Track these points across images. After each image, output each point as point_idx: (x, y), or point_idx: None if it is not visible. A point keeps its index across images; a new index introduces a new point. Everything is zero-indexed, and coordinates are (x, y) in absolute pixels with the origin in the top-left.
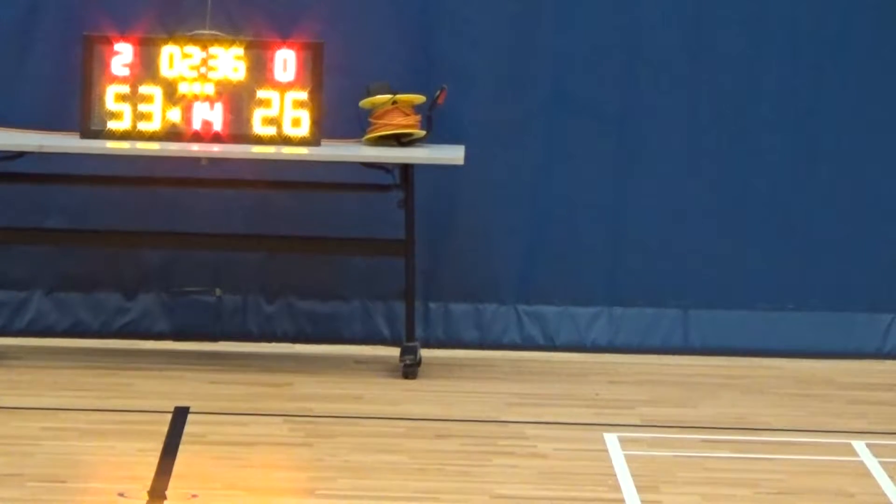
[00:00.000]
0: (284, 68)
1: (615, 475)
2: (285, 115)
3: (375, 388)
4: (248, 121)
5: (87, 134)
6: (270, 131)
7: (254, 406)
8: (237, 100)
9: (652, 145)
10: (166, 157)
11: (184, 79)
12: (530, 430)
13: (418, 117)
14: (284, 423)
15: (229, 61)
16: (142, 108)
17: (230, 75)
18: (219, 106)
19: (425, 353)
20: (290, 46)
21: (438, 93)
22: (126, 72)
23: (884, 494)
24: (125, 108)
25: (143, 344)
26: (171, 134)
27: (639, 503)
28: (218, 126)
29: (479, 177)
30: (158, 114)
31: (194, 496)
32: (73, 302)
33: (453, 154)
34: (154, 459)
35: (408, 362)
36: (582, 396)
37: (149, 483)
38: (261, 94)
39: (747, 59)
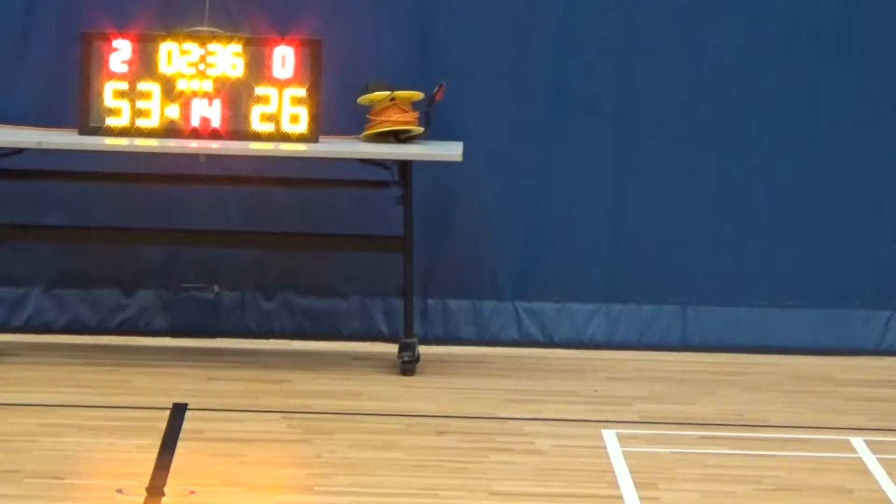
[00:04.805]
0: (283, 65)
1: (613, 472)
2: (284, 111)
3: (374, 385)
4: (246, 117)
5: (86, 130)
6: (269, 128)
7: (252, 403)
8: (235, 96)
9: (650, 142)
10: (164, 154)
11: (182, 75)
12: (528, 427)
13: (416, 114)
14: (283, 420)
15: (227, 58)
16: (140, 104)
17: (228, 72)
18: (217, 103)
19: (423, 349)
20: (288, 43)
21: (437, 89)
22: (124, 68)
23: (882, 491)
24: (123, 105)
25: (142, 340)
26: (170, 130)
27: (637, 500)
28: (216, 123)
29: (477, 173)
30: (157, 110)
31: (192, 493)
32: (71, 298)
33: (451, 151)
34: (152, 456)
35: (406, 359)
36: (580, 393)
37: (147, 479)
38: (259, 90)
39: (746, 57)
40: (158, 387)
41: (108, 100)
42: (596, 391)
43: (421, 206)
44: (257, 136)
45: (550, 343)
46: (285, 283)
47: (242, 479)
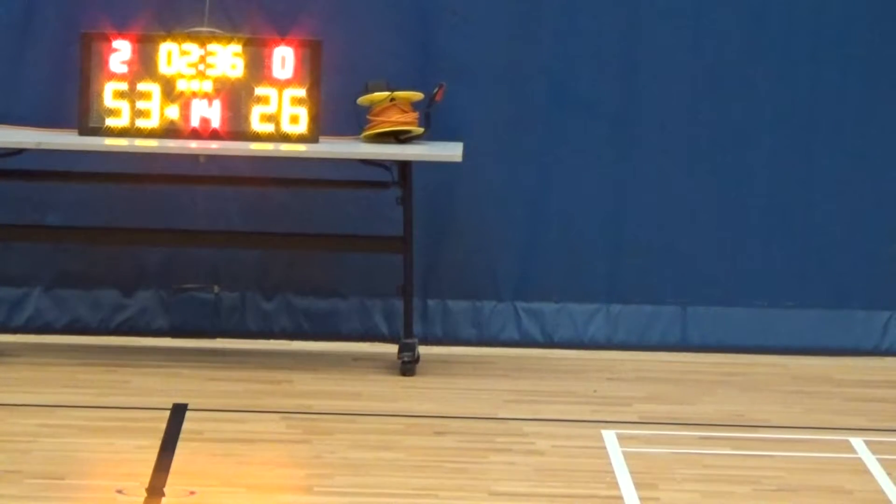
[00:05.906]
0: (283, 65)
1: (613, 472)
2: (283, 112)
3: (373, 385)
4: (246, 118)
5: (86, 131)
6: (269, 128)
7: (252, 403)
8: (235, 97)
9: (651, 143)
10: (164, 154)
11: (182, 76)
12: (528, 427)
13: (416, 114)
14: (282, 420)
15: (227, 58)
16: (140, 105)
17: (228, 72)
18: (217, 103)
19: (423, 350)
20: (288, 44)
21: (436, 90)
22: (124, 69)
23: (881, 491)
24: (123, 106)
25: (142, 341)
26: (170, 131)
27: (637, 500)
28: (216, 123)
29: (477, 174)
30: (157, 111)
31: (192, 493)
32: (71, 299)
33: (451, 151)
34: (152, 456)
35: (406, 359)
36: (580, 393)
37: (147, 480)
38: (259, 91)
39: (746, 57)
40: (158, 387)
41: (108, 100)
42: (596, 391)
43: (421, 207)
44: (257, 137)
45: (550, 343)
46: (285, 284)
47: (242, 479)
